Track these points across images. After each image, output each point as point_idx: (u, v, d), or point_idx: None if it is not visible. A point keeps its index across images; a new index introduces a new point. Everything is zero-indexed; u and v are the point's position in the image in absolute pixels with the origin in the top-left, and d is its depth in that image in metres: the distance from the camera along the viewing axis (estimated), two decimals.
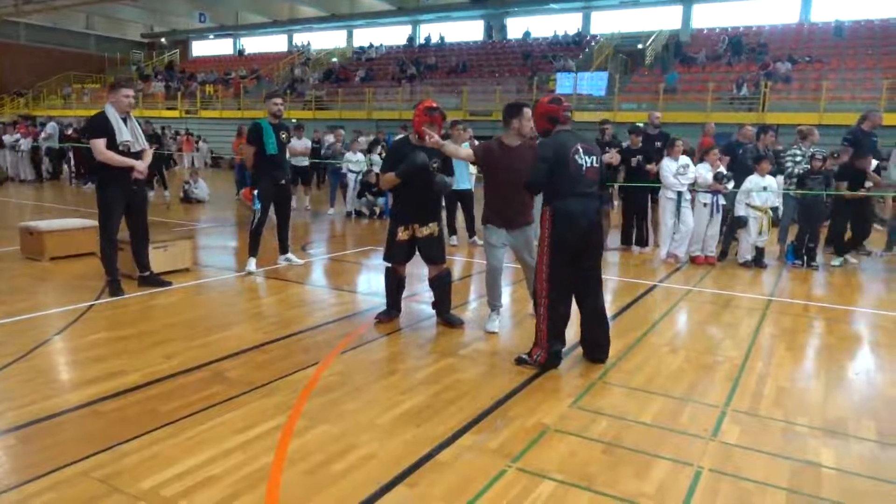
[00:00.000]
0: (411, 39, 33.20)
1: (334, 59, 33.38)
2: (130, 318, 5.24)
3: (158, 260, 6.48)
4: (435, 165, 4.98)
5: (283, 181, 6.93)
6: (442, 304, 5.26)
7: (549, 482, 2.91)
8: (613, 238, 9.46)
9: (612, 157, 7.46)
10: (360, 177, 11.81)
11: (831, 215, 8.49)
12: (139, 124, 5.90)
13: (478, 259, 8.26)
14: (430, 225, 5.10)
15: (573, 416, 3.61)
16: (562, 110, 4.34)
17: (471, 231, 9.25)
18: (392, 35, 33.90)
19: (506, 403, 3.75)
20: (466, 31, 32.33)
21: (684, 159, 8.17)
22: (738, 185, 8.13)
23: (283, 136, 6.90)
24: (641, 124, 9.46)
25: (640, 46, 25.76)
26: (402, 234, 5.07)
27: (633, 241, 9.05)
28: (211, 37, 40.30)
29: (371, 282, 7.14)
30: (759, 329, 5.43)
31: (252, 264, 6.89)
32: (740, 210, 8.07)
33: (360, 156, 11.99)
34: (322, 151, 13.32)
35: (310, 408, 3.60)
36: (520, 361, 4.38)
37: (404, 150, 4.96)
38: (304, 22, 36.44)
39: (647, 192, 8.79)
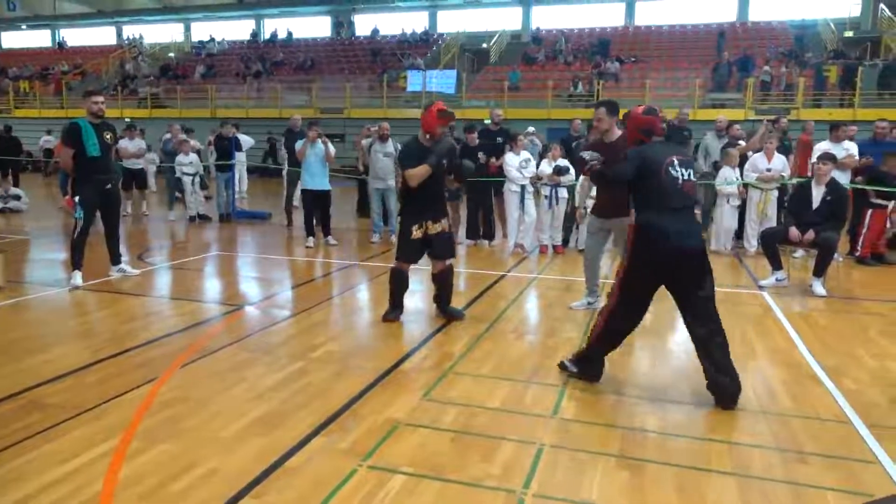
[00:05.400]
0: (255, 34, 31.97)
1: (171, 55, 31.29)
2: None
3: None
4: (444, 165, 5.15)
5: (109, 185, 6.38)
6: (444, 298, 5.38)
7: (400, 476, 2.94)
8: (460, 233, 9.70)
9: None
10: (196, 178, 11.16)
11: None
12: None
13: (335, 259, 8.15)
14: (442, 221, 5.22)
15: (424, 408, 3.67)
16: (658, 122, 4.01)
17: (326, 231, 9.09)
18: (234, 30, 32.43)
19: (358, 402, 3.73)
20: (314, 27, 31.72)
21: (525, 154, 8.57)
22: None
23: (108, 136, 6.34)
24: (488, 122, 9.71)
25: (484, 46, 26.70)
26: (417, 233, 5.14)
27: (481, 234, 9.31)
28: (24, 27, 36.20)
29: (215, 289, 6.79)
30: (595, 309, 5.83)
31: (77, 278, 6.28)
32: (579, 200, 8.60)
33: (192, 157, 11.31)
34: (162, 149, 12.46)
35: (145, 428, 3.35)
36: (563, 367, 4.22)
37: (419, 152, 5.05)
38: (133, 13, 33.87)
39: (491, 187, 9.06)
